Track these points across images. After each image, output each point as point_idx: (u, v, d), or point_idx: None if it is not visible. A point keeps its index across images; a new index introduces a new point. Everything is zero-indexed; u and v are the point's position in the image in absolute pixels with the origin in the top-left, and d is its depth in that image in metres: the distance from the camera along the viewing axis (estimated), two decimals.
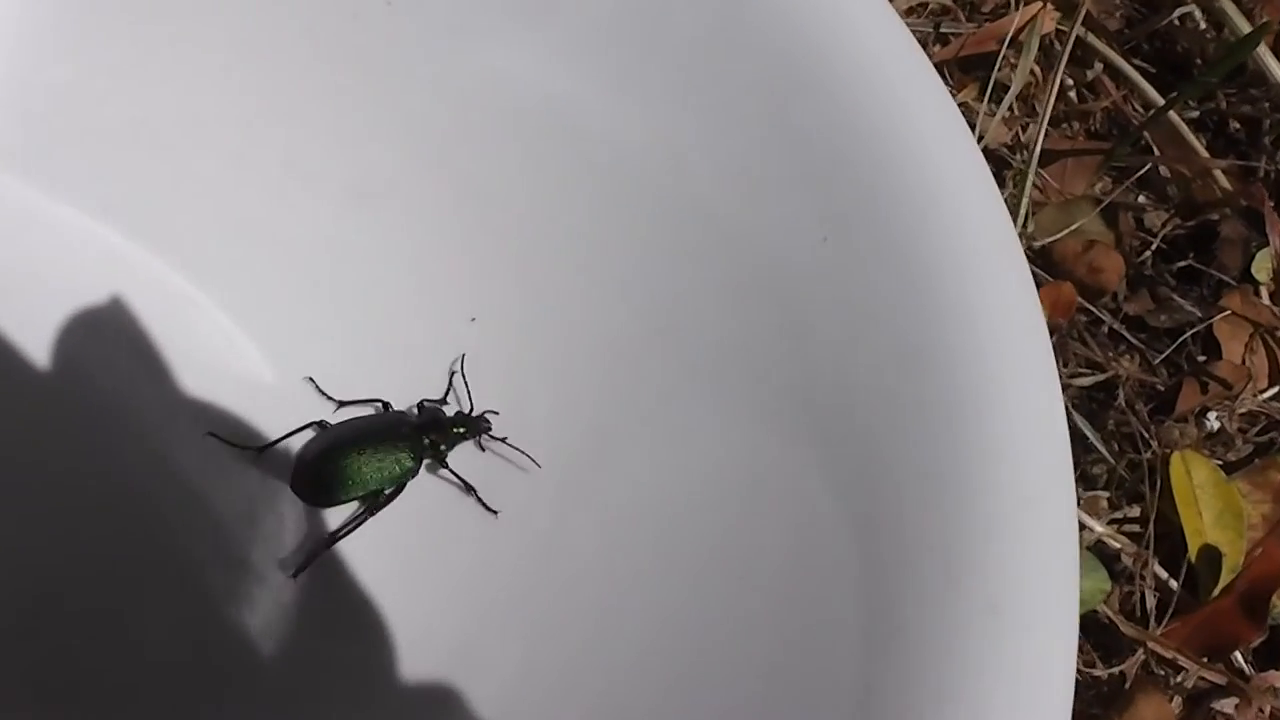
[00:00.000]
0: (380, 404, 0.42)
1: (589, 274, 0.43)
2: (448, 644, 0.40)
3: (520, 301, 0.44)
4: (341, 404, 0.42)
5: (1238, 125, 0.59)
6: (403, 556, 0.41)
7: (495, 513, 0.41)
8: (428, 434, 0.41)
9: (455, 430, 0.41)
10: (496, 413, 0.42)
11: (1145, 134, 0.57)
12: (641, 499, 0.41)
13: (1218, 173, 0.55)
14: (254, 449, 0.41)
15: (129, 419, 0.42)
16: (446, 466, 0.41)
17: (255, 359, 0.43)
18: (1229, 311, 0.52)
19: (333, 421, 0.42)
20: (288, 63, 0.44)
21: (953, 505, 0.34)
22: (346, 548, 0.41)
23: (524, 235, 0.44)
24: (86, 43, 0.42)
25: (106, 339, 0.42)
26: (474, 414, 0.42)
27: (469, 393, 0.43)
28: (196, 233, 0.44)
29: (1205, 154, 0.56)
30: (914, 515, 0.34)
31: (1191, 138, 0.56)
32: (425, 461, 0.41)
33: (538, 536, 0.41)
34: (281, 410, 0.42)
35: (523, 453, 0.41)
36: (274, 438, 0.41)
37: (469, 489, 0.41)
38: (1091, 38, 0.57)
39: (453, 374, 0.43)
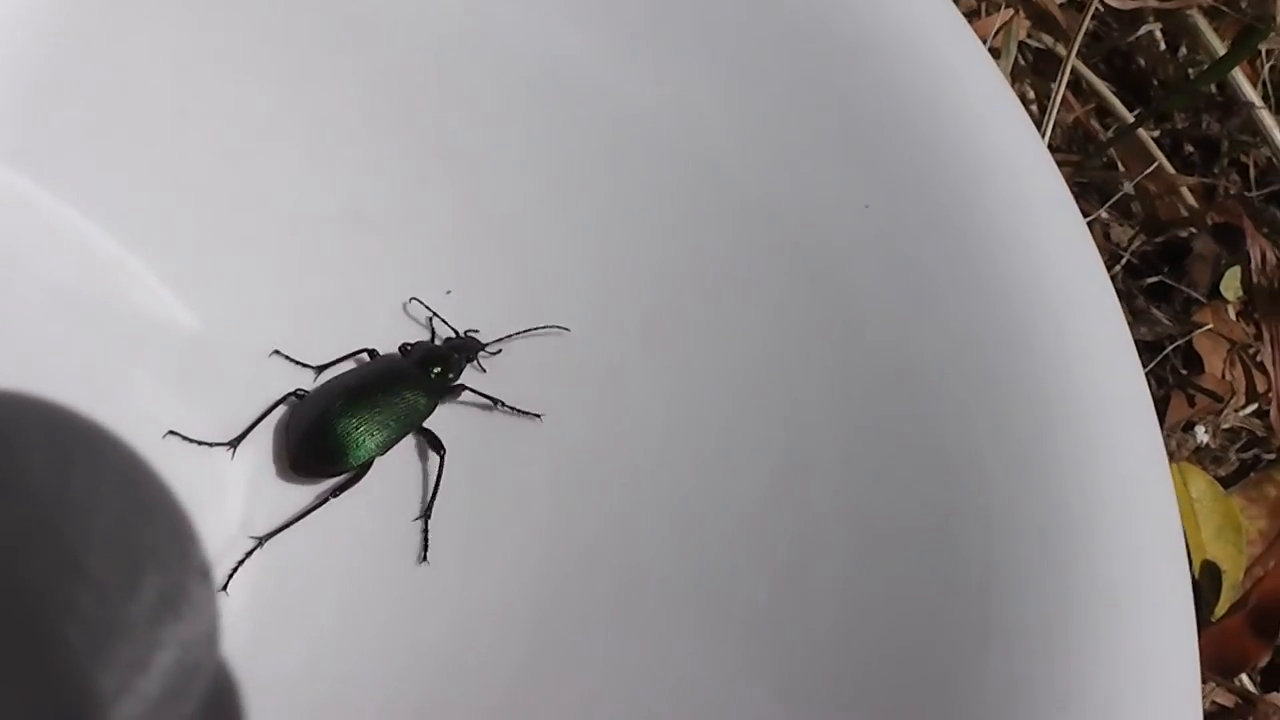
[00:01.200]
0: (367, 353, 0.38)
1: (590, 249, 0.39)
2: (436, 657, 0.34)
3: (507, 280, 0.39)
4: (321, 368, 0.37)
5: (1191, 147, 0.59)
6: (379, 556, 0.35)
7: (539, 416, 0.37)
8: (430, 367, 0.37)
9: (456, 356, 0.37)
10: (478, 330, 0.38)
11: (1110, 150, 0.56)
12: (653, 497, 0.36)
13: (1184, 190, 0.55)
14: (224, 445, 0.35)
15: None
16: (465, 389, 0.37)
17: (192, 326, 0.37)
18: (1208, 326, 0.51)
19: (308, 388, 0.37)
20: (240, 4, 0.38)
21: (1046, 488, 0.30)
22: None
23: (514, 206, 0.39)
24: None
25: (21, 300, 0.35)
26: (461, 334, 0.38)
27: (441, 319, 0.38)
28: (129, 189, 0.37)
29: (1172, 171, 0.55)
30: (1003, 501, 0.31)
31: (1159, 155, 0.55)
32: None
33: (536, 528, 0.36)
34: (220, 379, 0.37)
35: (540, 328, 0.37)
36: (226, 413, 0.35)
37: (496, 402, 0.37)
38: (1060, 49, 0.56)
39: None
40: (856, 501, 0.34)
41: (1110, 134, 0.56)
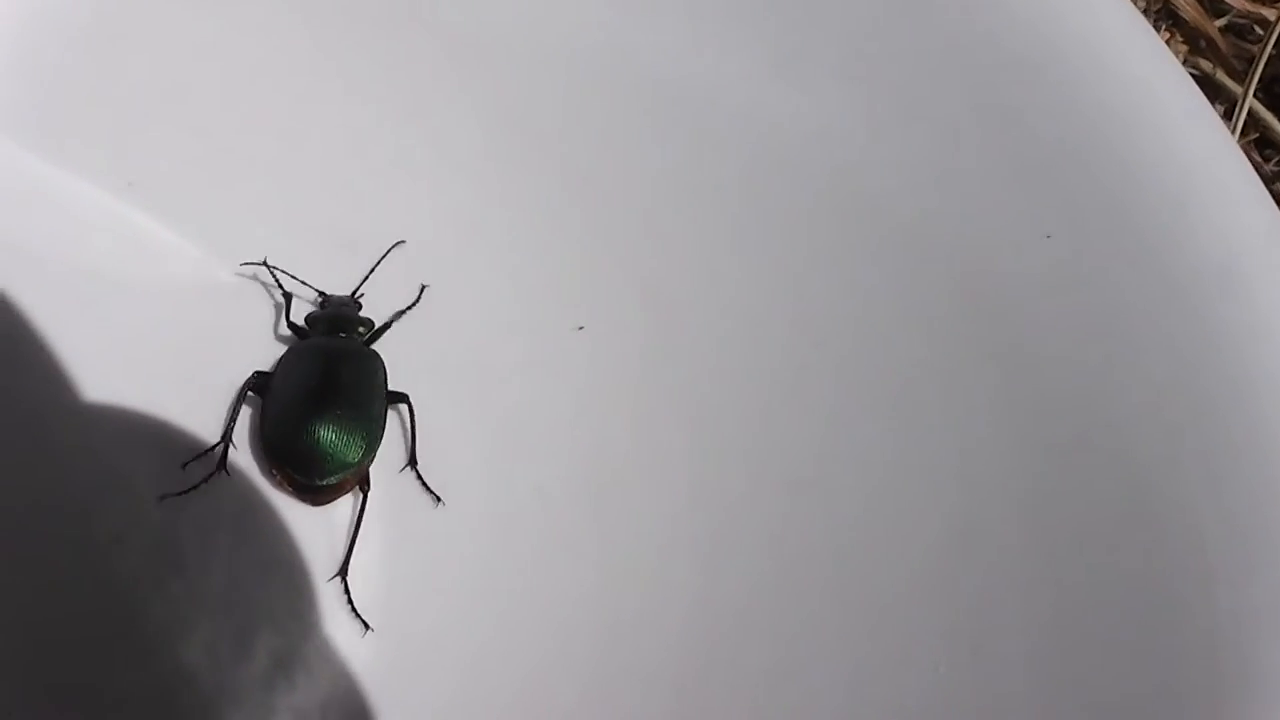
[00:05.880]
0: None
1: (729, 282, 0.35)
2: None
3: (641, 312, 0.36)
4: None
5: None
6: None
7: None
8: (344, 331, 0.35)
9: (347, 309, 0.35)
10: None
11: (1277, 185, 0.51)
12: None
13: None
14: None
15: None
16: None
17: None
18: None
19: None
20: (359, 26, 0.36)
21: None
22: None
23: (646, 232, 0.36)
24: None
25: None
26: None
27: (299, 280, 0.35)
28: (237, 219, 0.35)
29: None
30: (1230, 580, 0.27)
31: None
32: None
33: (679, 589, 0.33)
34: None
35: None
36: None
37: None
38: (1221, 75, 0.52)
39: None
40: (1043, 564, 0.30)
41: (1275, 166, 0.52)
